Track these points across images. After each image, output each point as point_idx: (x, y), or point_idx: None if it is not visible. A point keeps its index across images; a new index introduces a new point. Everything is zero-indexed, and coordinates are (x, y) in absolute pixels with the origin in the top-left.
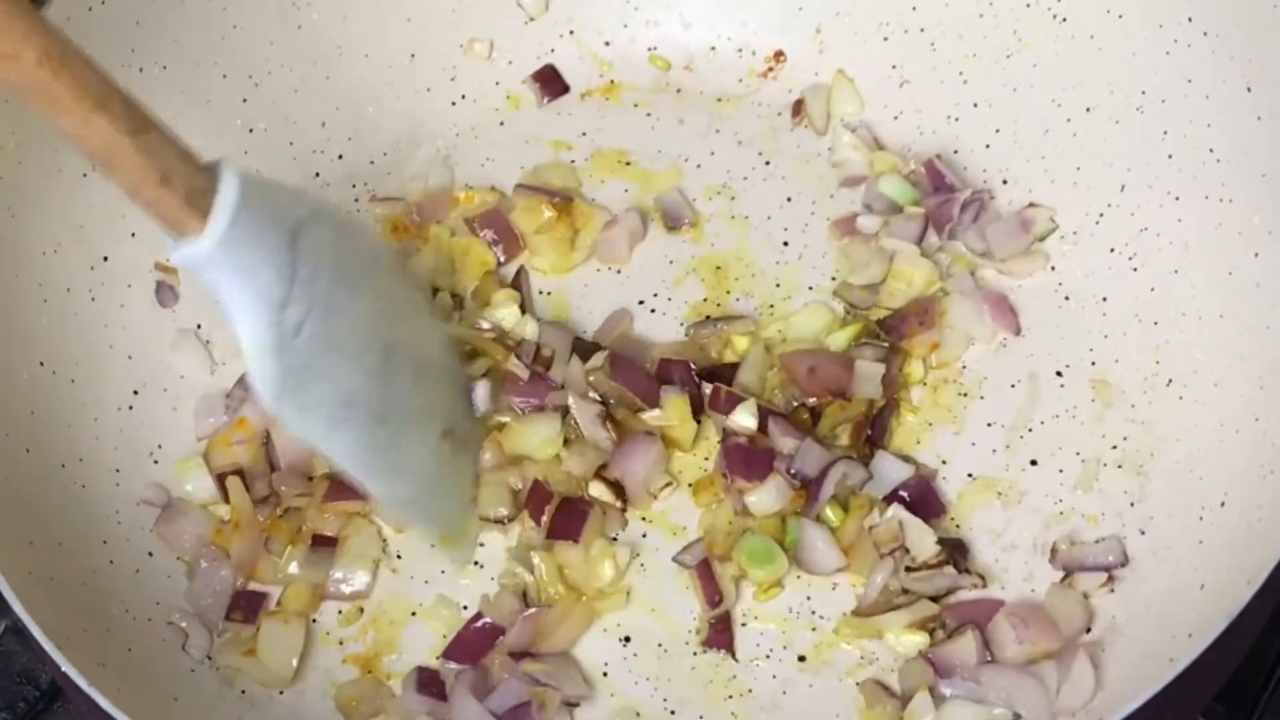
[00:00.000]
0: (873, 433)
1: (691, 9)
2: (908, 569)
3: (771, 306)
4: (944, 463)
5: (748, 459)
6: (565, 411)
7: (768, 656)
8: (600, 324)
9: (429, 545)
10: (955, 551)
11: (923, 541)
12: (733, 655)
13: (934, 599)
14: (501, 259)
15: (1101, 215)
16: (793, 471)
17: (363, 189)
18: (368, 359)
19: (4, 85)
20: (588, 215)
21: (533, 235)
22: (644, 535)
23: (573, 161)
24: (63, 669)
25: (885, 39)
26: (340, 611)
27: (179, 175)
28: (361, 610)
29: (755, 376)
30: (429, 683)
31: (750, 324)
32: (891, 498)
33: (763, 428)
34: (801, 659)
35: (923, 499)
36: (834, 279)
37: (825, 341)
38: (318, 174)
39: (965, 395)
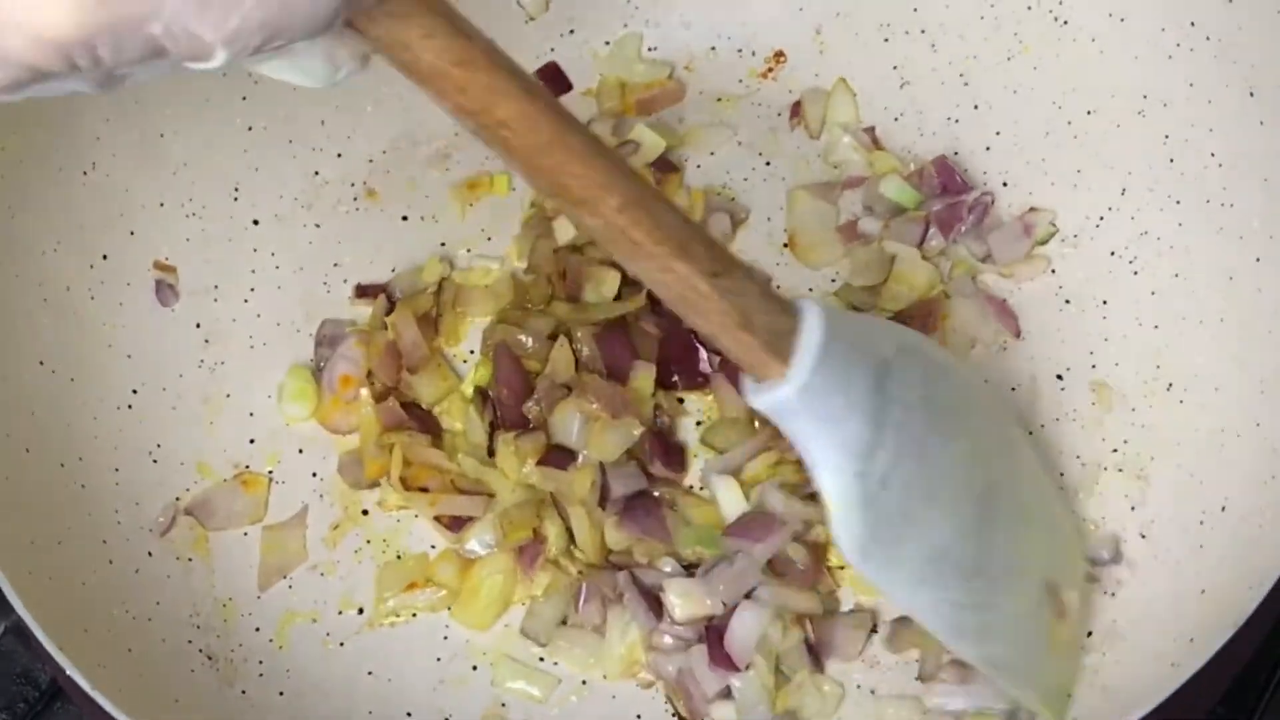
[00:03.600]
0: None
1: (691, 9)
2: None
3: None
4: None
5: None
6: None
7: None
8: None
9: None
10: None
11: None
12: None
13: None
14: None
15: (1102, 218)
16: None
17: (362, 187)
18: (962, 509)
19: (584, 229)
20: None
21: None
22: None
23: None
24: (63, 669)
25: (886, 40)
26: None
27: (760, 316)
28: None
29: None
30: None
31: None
32: None
33: None
34: None
35: None
36: (834, 280)
37: None
38: (317, 173)
39: None
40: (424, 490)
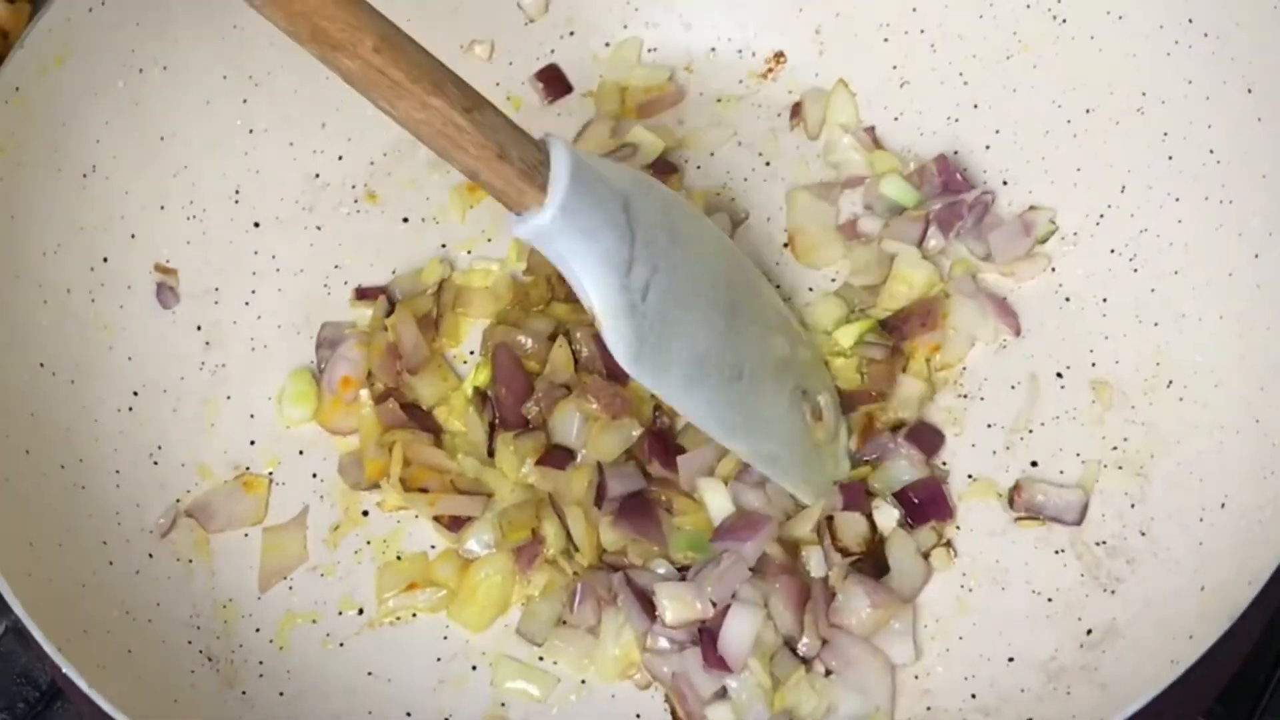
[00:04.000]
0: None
1: (692, 10)
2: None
3: None
4: (944, 464)
5: None
6: None
7: None
8: None
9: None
10: None
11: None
12: None
13: None
14: None
15: (1102, 216)
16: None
17: (362, 189)
18: (714, 318)
19: (344, 75)
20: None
21: None
22: None
23: None
24: (63, 670)
25: (885, 40)
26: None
27: (514, 149)
28: None
29: None
30: None
31: None
32: (901, 499)
33: None
34: None
35: (931, 501)
36: (834, 280)
37: (834, 336)
38: (318, 174)
39: (965, 396)
40: (423, 491)
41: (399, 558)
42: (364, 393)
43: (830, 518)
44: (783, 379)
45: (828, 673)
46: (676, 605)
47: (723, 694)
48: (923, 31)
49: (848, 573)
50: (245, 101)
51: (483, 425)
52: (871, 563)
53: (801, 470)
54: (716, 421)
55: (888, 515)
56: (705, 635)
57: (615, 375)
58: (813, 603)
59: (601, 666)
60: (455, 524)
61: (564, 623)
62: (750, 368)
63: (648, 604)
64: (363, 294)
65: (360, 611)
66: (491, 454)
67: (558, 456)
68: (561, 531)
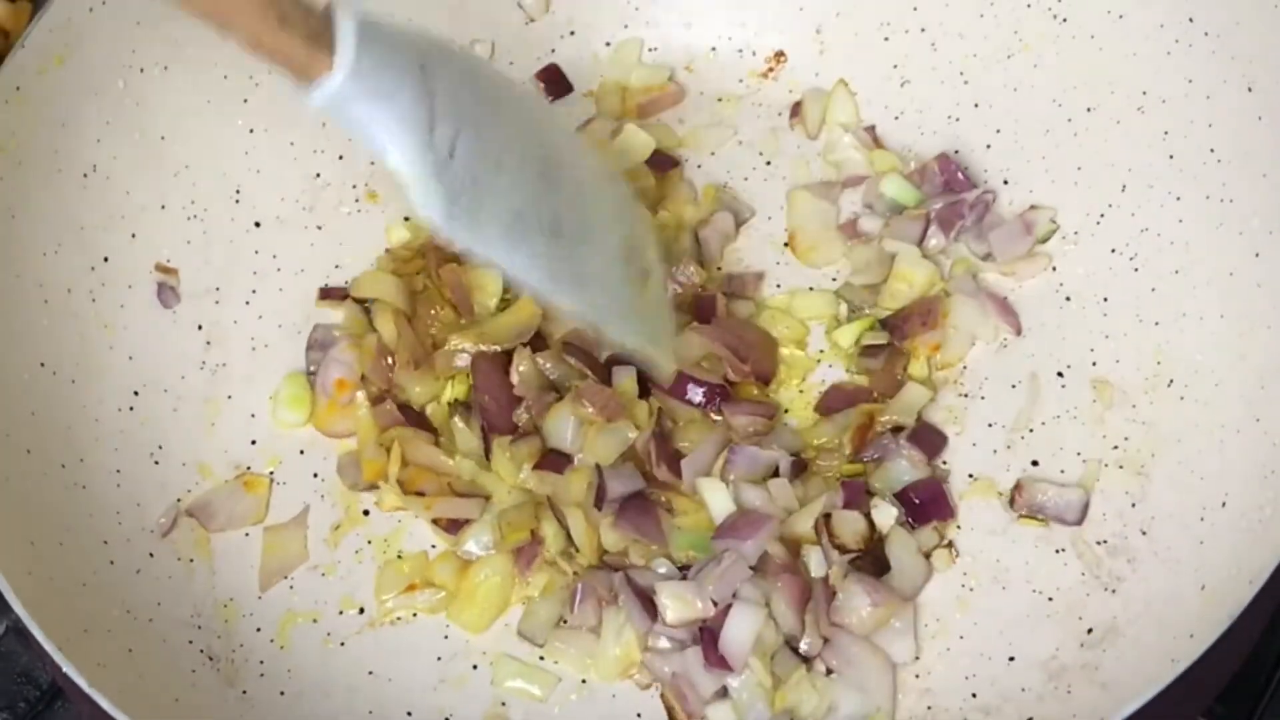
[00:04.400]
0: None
1: (692, 9)
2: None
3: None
4: (944, 463)
5: None
6: None
7: None
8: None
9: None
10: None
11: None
12: None
13: None
14: None
15: (1102, 215)
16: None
17: (363, 189)
18: (528, 173)
19: None
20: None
21: None
22: None
23: None
24: (63, 669)
25: (886, 39)
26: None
27: (295, 15)
28: None
29: None
30: None
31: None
32: (901, 499)
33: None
34: None
35: (932, 501)
36: (835, 279)
37: (833, 336)
38: (318, 174)
39: (966, 396)
40: (420, 494)
41: (399, 556)
42: (360, 395)
43: (828, 515)
44: (608, 234)
45: (828, 671)
46: (678, 604)
47: (723, 693)
48: (923, 30)
49: (848, 571)
50: (245, 101)
51: (474, 432)
52: (871, 561)
53: (635, 321)
54: (543, 275)
55: (886, 513)
56: (706, 634)
57: (606, 379)
58: (813, 602)
59: (602, 666)
60: (453, 526)
61: (564, 623)
62: (571, 223)
63: (649, 604)
64: (326, 294)
65: (361, 611)
66: (488, 457)
67: (555, 460)
68: (561, 532)
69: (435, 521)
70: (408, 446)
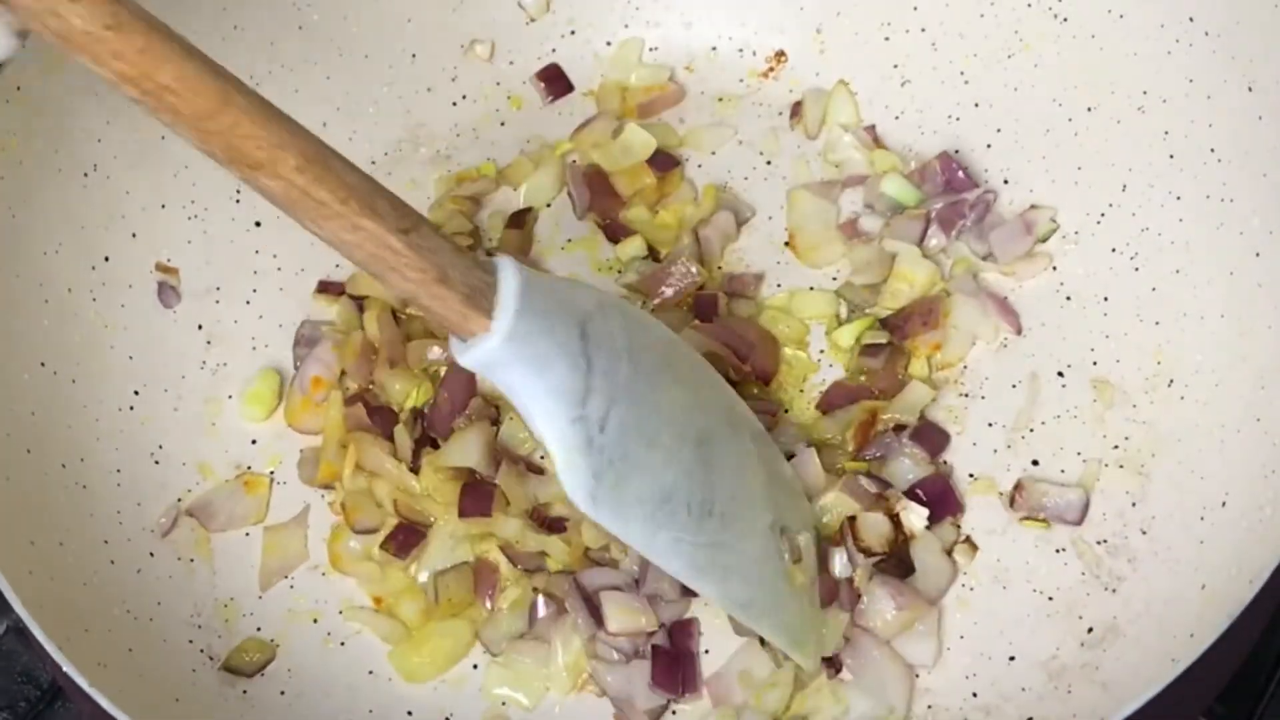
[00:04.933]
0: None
1: (692, 9)
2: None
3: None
4: (945, 463)
5: None
6: None
7: None
8: None
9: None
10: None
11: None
12: None
13: None
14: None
15: (1103, 215)
16: None
17: None
18: (682, 450)
19: (267, 195)
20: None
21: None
22: None
23: (574, 161)
24: (64, 669)
25: (886, 39)
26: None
27: (456, 271)
28: None
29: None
30: None
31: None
32: (909, 496)
33: None
34: None
35: (940, 498)
36: (835, 279)
37: (833, 336)
38: None
39: (966, 395)
40: (371, 531)
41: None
42: (335, 395)
43: (853, 518)
44: (759, 515)
45: (837, 671)
46: (620, 613)
47: (662, 711)
48: (923, 30)
49: (872, 574)
50: None
51: (409, 442)
52: (896, 563)
53: (781, 616)
54: (685, 564)
55: (917, 516)
56: (659, 654)
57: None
58: (838, 603)
59: (555, 677)
60: (403, 549)
61: (524, 636)
62: (723, 504)
63: (596, 610)
64: (324, 288)
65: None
66: (416, 471)
67: (478, 498)
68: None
69: (383, 546)
70: (363, 452)
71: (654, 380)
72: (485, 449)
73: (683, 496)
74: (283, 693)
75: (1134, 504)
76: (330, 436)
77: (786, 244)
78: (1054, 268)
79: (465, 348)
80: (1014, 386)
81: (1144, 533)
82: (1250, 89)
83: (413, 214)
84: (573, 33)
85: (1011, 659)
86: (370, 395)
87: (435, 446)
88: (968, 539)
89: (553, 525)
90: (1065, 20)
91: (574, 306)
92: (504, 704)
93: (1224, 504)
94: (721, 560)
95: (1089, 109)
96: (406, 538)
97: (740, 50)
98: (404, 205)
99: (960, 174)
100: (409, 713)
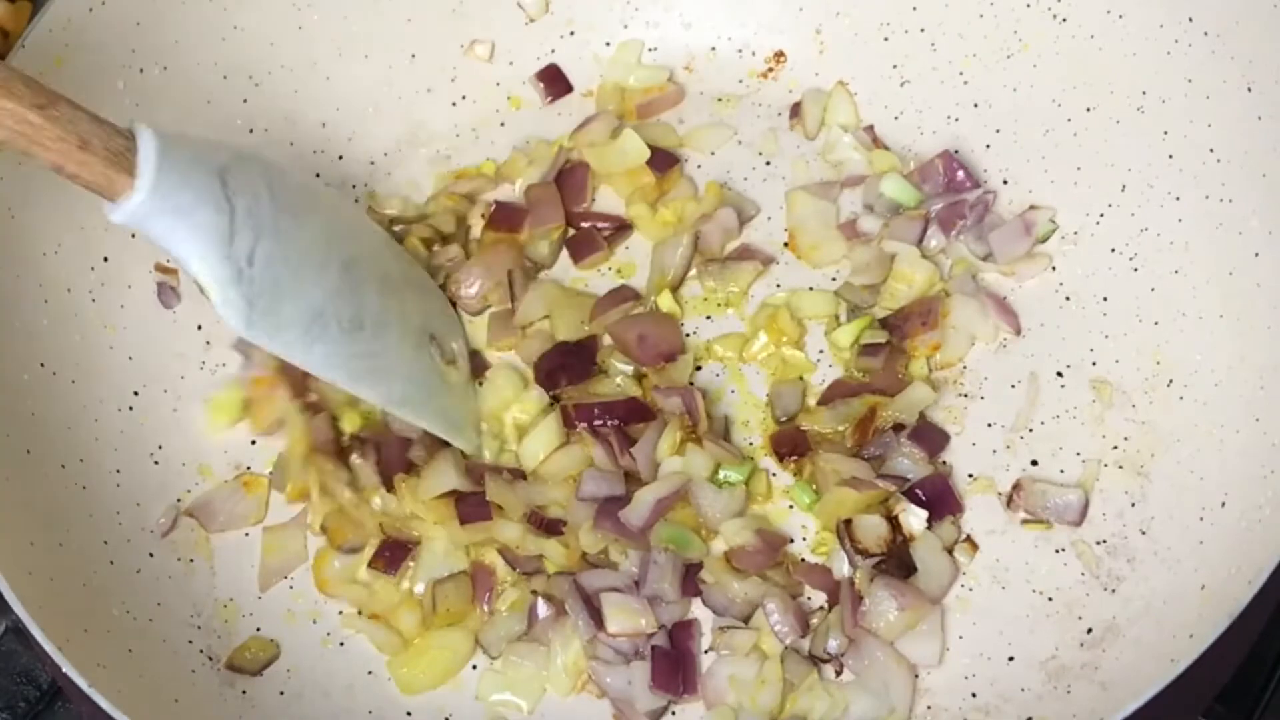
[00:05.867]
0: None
1: (692, 9)
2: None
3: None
4: (944, 463)
5: None
6: None
7: None
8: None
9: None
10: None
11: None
12: None
13: None
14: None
15: (1102, 215)
16: None
17: (363, 189)
18: (328, 275)
19: None
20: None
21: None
22: None
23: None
24: (63, 669)
25: (886, 39)
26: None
27: (96, 138)
28: None
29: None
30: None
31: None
32: (908, 495)
33: None
34: None
35: (939, 497)
36: (835, 279)
37: (832, 337)
38: (318, 174)
39: (966, 395)
40: (356, 550)
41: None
42: (294, 410)
43: (848, 520)
44: (409, 325)
45: (838, 673)
46: (620, 614)
47: (662, 712)
48: (923, 30)
49: (874, 575)
50: (245, 101)
51: (372, 469)
52: (896, 564)
53: (435, 407)
54: (341, 371)
55: (916, 517)
56: (658, 654)
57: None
58: (840, 604)
59: (555, 678)
60: (392, 565)
61: (522, 638)
62: (372, 318)
63: (596, 611)
64: None
65: (360, 611)
66: (391, 489)
67: (476, 505)
68: (509, 566)
69: (372, 565)
70: (328, 487)
71: (296, 217)
72: (459, 468)
73: (332, 314)
74: (282, 693)
75: (1133, 504)
76: (295, 449)
77: (786, 244)
78: (1053, 268)
79: (115, 207)
80: (1013, 387)
81: (1143, 533)
82: (1249, 89)
83: (49, 92)
84: (572, 33)
85: (1011, 659)
86: (312, 402)
87: (406, 470)
88: (968, 538)
89: (550, 527)
90: (1064, 21)
91: (212, 159)
92: (501, 708)
93: (1223, 504)
94: (376, 366)
95: (1088, 109)
96: (394, 553)
97: (740, 51)
98: (40, 85)
99: (960, 174)
100: (408, 713)
